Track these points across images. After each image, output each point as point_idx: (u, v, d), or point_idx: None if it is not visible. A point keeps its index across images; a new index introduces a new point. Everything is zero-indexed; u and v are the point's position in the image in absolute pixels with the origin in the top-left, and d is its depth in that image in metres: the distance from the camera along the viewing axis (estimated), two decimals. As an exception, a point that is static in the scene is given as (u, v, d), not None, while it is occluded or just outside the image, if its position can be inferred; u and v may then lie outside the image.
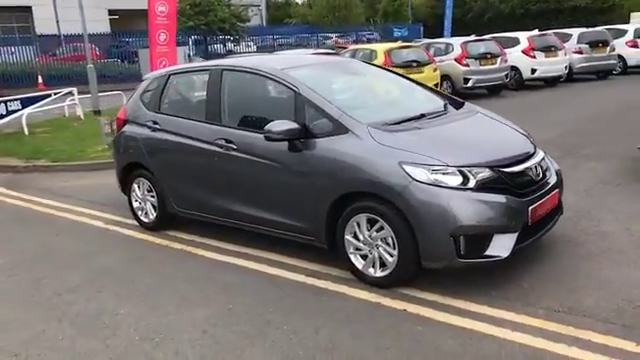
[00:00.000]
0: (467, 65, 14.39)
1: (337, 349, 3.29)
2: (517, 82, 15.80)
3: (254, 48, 28.03)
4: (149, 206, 5.65)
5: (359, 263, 4.09)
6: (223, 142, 4.72)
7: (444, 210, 3.62)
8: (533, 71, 15.55)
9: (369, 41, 30.87)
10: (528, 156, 4.12)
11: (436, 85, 12.83)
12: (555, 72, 15.88)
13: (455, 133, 4.24)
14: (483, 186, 3.73)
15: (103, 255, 5.15)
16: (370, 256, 4.00)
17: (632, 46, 17.55)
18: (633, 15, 27.69)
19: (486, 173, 3.76)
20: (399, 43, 16.18)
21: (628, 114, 10.86)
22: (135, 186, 5.74)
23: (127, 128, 5.75)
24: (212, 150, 4.80)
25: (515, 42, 15.98)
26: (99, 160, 9.26)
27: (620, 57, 17.43)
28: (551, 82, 16.23)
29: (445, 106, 4.73)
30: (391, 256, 3.88)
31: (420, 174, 3.69)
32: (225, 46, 27.07)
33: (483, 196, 3.70)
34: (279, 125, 4.16)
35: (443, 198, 3.64)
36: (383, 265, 3.97)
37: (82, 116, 14.00)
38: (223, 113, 4.85)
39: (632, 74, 17.73)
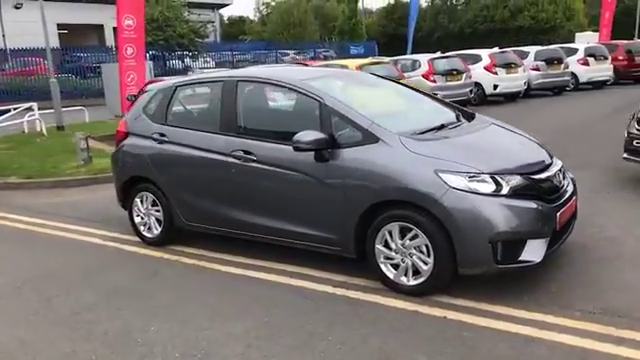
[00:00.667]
0: (434, 81, 14.78)
1: (391, 357, 3.28)
2: (479, 97, 16.33)
3: (212, 64, 27.83)
4: (153, 221, 5.49)
5: (390, 272, 4.10)
6: (241, 153, 4.66)
7: (482, 217, 3.70)
8: (495, 87, 16.14)
9: (326, 58, 31.15)
10: (549, 164, 4.26)
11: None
12: (515, 88, 16.54)
13: (480, 142, 4.34)
14: (515, 192, 3.82)
15: (111, 272, 4.96)
16: (403, 265, 4.02)
17: (583, 64, 18.52)
18: (578, 35, 29.13)
19: (517, 180, 3.86)
20: (370, 59, 16.43)
21: (594, 126, 11.41)
22: (137, 200, 5.57)
23: (129, 141, 5.59)
24: (228, 162, 4.73)
25: (477, 59, 16.54)
26: (76, 177, 8.95)
27: (572, 74, 18.31)
28: (511, 97, 16.87)
29: (458, 117, 4.84)
30: (425, 264, 3.91)
31: (457, 181, 3.76)
32: (183, 62, 26.75)
33: (517, 202, 3.79)
34: (307, 135, 4.15)
35: (480, 205, 3.71)
36: (416, 273, 3.99)
37: (45, 132, 13.48)
38: (240, 124, 4.79)
39: (583, 90, 18.67)
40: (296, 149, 4.19)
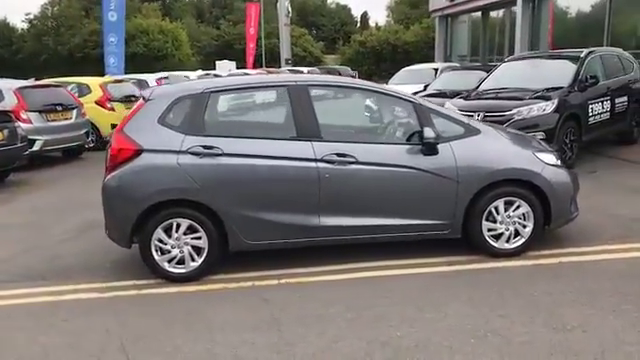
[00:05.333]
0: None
1: (595, 292, 4.15)
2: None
3: None
4: (188, 251, 4.62)
5: (494, 242, 4.89)
6: (334, 157, 4.60)
7: (566, 182, 4.97)
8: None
9: None
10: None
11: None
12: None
13: (518, 134, 5.55)
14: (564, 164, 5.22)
15: (211, 312, 4.10)
16: (506, 233, 4.87)
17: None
18: (218, 63, 32.18)
19: (558, 156, 5.27)
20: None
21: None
22: (160, 231, 4.56)
23: (145, 160, 4.51)
24: (319, 167, 4.58)
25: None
26: None
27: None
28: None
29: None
30: (524, 227, 4.89)
31: (549, 158, 4.93)
32: None
33: (568, 170, 5.20)
34: (430, 132, 4.59)
35: (564, 174, 4.99)
36: (515, 237, 4.91)
37: None
38: (324, 129, 4.68)
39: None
40: (426, 145, 4.57)
